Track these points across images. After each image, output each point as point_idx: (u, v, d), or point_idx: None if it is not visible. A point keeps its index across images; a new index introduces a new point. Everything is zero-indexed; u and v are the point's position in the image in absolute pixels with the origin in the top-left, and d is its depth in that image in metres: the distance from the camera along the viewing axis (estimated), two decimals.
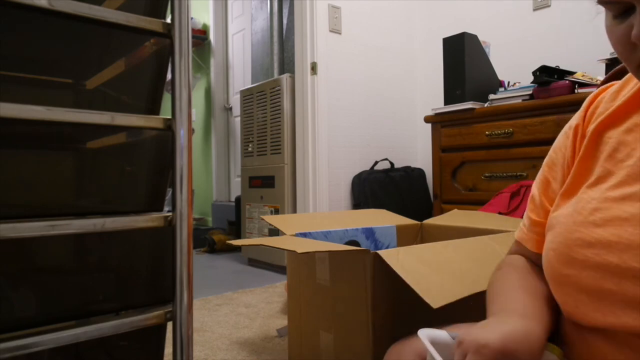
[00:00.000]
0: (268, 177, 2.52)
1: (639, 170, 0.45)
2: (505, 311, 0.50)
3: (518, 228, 0.64)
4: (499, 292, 0.56)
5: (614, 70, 0.67)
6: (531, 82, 1.76)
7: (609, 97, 0.53)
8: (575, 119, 0.56)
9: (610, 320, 0.43)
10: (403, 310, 0.91)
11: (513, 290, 0.55)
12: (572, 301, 0.48)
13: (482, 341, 0.42)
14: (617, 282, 0.42)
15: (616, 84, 0.54)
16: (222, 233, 3.27)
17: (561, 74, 1.71)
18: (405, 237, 1.44)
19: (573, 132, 0.55)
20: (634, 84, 0.50)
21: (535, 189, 0.61)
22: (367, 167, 2.44)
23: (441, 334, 0.47)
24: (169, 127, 0.59)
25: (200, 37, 4.08)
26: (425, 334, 0.45)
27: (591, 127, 0.52)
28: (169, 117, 0.59)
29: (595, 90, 0.57)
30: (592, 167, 0.51)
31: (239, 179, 3.12)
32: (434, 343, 0.44)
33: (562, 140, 0.58)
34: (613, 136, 0.50)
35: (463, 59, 1.92)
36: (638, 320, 0.41)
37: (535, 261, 0.59)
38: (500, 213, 1.51)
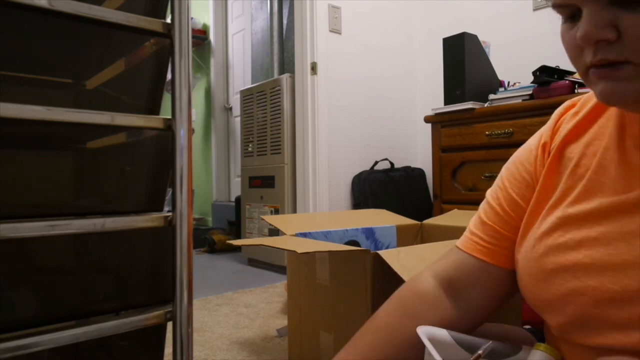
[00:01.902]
0: (268, 177, 2.52)
1: (598, 182, 0.45)
2: None
3: (461, 239, 0.59)
4: (351, 342, 0.55)
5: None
6: (531, 82, 1.76)
7: (570, 117, 0.53)
8: (544, 136, 0.55)
9: (599, 341, 0.43)
10: None
11: (360, 344, 0.54)
12: (555, 324, 0.48)
13: None
14: (597, 306, 0.42)
15: (576, 104, 0.54)
16: (222, 233, 3.27)
17: (561, 74, 1.71)
18: (405, 237, 1.44)
19: (542, 149, 0.54)
20: (592, 103, 0.51)
21: (491, 198, 0.58)
22: (367, 167, 2.44)
23: (441, 332, 0.47)
24: (169, 127, 0.59)
25: (200, 37, 4.08)
26: (424, 332, 0.45)
27: (554, 143, 0.52)
28: (169, 117, 0.59)
29: (558, 111, 0.56)
30: (555, 184, 0.50)
31: (239, 179, 3.12)
32: (433, 341, 0.44)
33: (525, 156, 0.56)
34: (574, 151, 0.50)
35: (463, 59, 1.92)
36: (625, 340, 0.40)
37: (487, 274, 0.55)
38: None
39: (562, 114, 0.55)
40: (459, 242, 0.59)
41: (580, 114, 0.51)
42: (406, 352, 0.52)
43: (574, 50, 0.42)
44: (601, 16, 0.38)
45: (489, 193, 0.60)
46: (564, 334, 0.47)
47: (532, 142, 0.56)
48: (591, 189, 0.45)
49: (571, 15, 0.42)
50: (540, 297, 0.47)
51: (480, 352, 0.46)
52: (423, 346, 0.47)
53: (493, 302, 0.56)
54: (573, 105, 0.54)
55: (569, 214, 0.46)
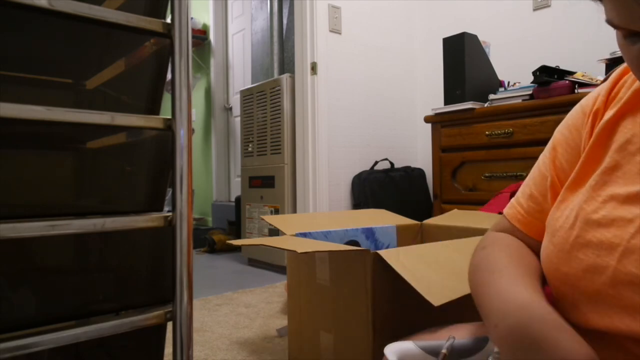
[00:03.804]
0: (268, 177, 2.52)
1: None
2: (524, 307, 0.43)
3: (509, 204, 0.59)
4: (490, 280, 0.49)
5: None
6: (531, 82, 1.76)
7: (632, 80, 0.49)
8: (598, 101, 0.51)
9: (606, 323, 0.42)
10: (403, 310, 0.91)
11: (511, 275, 0.48)
12: (569, 299, 0.47)
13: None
14: (614, 287, 0.41)
15: None
16: (222, 233, 3.27)
17: (561, 74, 1.71)
18: (405, 237, 1.44)
19: (592, 117, 0.50)
20: None
21: (540, 167, 0.56)
22: (367, 167, 2.44)
23: (408, 345, 0.47)
24: (169, 127, 0.59)
25: (200, 37, 4.08)
26: (393, 351, 0.45)
27: (609, 113, 0.49)
28: (169, 117, 0.59)
29: (618, 70, 0.52)
30: (601, 156, 0.48)
31: (239, 179, 3.12)
32: (404, 358, 0.44)
33: (580, 119, 0.53)
34: (628, 126, 0.46)
35: (463, 59, 1.92)
36: (633, 325, 0.40)
37: (527, 244, 0.55)
38: (500, 213, 1.51)
39: (620, 76, 0.51)
40: (506, 210, 0.59)
41: None
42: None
43: (638, 68, 0.40)
44: None
45: (540, 159, 0.57)
46: (572, 313, 0.46)
47: (586, 105, 0.53)
48: (635, 170, 0.43)
49: (631, 34, 0.39)
50: (559, 269, 0.46)
51: (443, 351, 0.46)
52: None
53: None
54: None
55: (610, 193, 0.44)
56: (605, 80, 0.56)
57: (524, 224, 0.56)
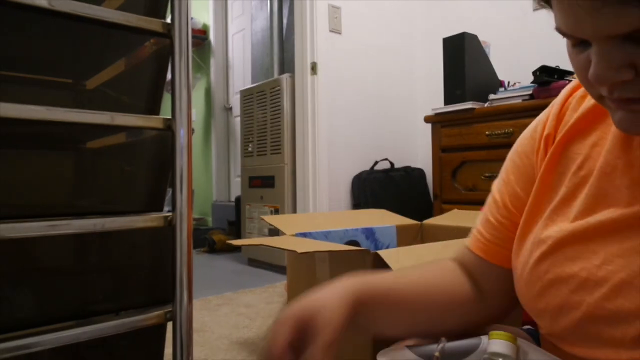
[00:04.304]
0: (268, 177, 2.52)
1: (601, 191, 0.42)
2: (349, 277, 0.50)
3: (470, 235, 0.58)
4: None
5: None
6: (531, 82, 1.76)
7: (576, 102, 0.48)
8: (548, 126, 0.50)
9: (590, 354, 0.42)
10: None
11: (397, 274, 0.53)
12: (548, 332, 0.47)
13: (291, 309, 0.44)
14: (593, 323, 0.40)
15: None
16: (222, 233, 3.27)
17: (561, 73, 1.71)
18: (405, 237, 1.44)
19: (544, 143, 0.49)
20: None
21: (495, 195, 0.55)
22: (367, 167, 2.44)
23: (403, 353, 0.46)
24: (169, 127, 0.59)
25: (200, 37, 4.08)
26: (386, 357, 0.45)
27: (559, 135, 0.48)
28: (169, 117, 0.59)
29: (564, 92, 0.51)
30: (556, 184, 0.47)
31: (239, 179, 3.12)
32: None
33: (530, 146, 0.52)
34: (578, 151, 0.46)
35: (463, 59, 1.92)
36: (615, 356, 0.39)
37: (491, 273, 0.53)
38: None
39: (568, 95, 0.50)
40: (467, 240, 0.58)
41: (589, 99, 0.46)
42: (433, 301, 0.51)
43: (585, 77, 0.37)
44: (615, 55, 0.33)
45: (494, 187, 0.56)
46: (556, 341, 0.46)
47: (536, 130, 0.52)
48: (594, 198, 0.42)
49: (578, 42, 0.37)
50: (535, 306, 0.46)
51: (436, 354, 0.46)
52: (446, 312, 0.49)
53: (504, 301, 0.54)
54: (580, 86, 0.48)
55: (572, 226, 0.43)
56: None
57: (487, 252, 0.54)
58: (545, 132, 0.49)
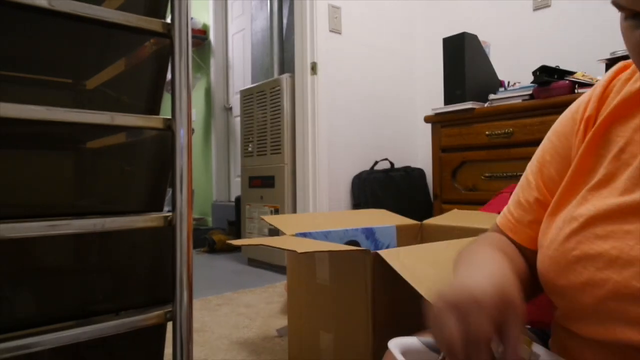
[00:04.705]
0: (268, 177, 2.52)
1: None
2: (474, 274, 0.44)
3: (501, 213, 0.58)
4: (467, 260, 0.50)
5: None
6: (531, 82, 1.76)
7: (620, 85, 0.47)
8: (590, 107, 0.49)
9: (608, 334, 0.42)
10: (403, 310, 0.91)
11: (484, 260, 0.48)
12: (570, 311, 0.46)
13: (479, 296, 0.37)
14: (616, 300, 0.40)
15: (631, 65, 0.47)
16: (222, 233, 3.27)
17: (561, 74, 1.71)
18: (405, 237, 1.44)
19: (584, 124, 0.49)
20: None
21: (527, 176, 0.55)
22: (367, 167, 2.44)
23: (413, 342, 0.46)
24: (169, 127, 0.59)
25: (200, 37, 4.08)
26: (396, 345, 0.45)
27: (600, 116, 0.47)
28: (169, 117, 0.59)
29: (609, 73, 0.50)
30: (593, 166, 0.46)
31: (239, 179, 3.12)
32: (407, 353, 0.44)
33: (569, 127, 0.51)
34: (621, 134, 0.45)
35: (463, 59, 1.92)
36: (635, 337, 0.39)
37: (520, 251, 0.54)
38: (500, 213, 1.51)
39: (612, 78, 0.49)
40: (498, 219, 0.58)
41: (634, 82, 0.45)
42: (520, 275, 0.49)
43: (638, 53, 0.38)
44: None
45: (528, 167, 0.56)
46: (572, 323, 0.46)
47: (576, 111, 0.51)
48: (635, 180, 0.42)
49: (633, 14, 0.37)
50: (557, 282, 0.45)
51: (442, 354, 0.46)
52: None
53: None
54: (626, 67, 0.48)
55: (608, 204, 0.42)
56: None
57: (514, 232, 0.55)
58: (587, 114, 0.49)
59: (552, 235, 0.47)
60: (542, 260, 0.48)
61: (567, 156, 0.50)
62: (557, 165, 0.51)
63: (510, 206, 0.57)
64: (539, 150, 0.55)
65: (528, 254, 0.54)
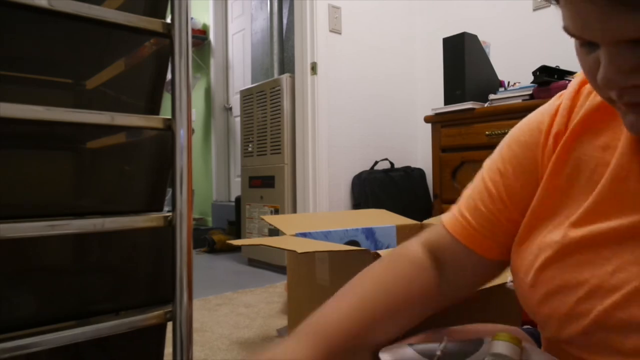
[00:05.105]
0: (268, 177, 2.52)
1: (615, 196, 0.40)
2: (306, 326, 0.48)
3: (449, 213, 0.54)
4: (340, 293, 0.52)
5: None
6: (531, 82, 1.76)
7: (583, 99, 0.46)
8: (558, 122, 0.46)
9: (594, 359, 0.41)
10: None
11: (349, 295, 0.50)
12: (555, 336, 0.45)
13: None
14: (603, 331, 0.39)
15: None
16: (222, 233, 3.27)
17: (561, 74, 1.71)
18: (405, 237, 1.43)
19: (554, 140, 0.46)
20: None
21: (490, 181, 0.51)
22: (367, 167, 2.44)
23: (404, 350, 0.46)
24: (169, 127, 0.59)
25: (200, 37, 4.08)
26: (388, 354, 0.45)
27: (568, 131, 0.45)
28: (169, 117, 0.59)
29: (572, 86, 0.47)
30: (566, 189, 0.45)
31: (239, 179, 3.12)
32: None
33: (535, 137, 0.48)
34: (589, 153, 0.43)
35: (463, 59, 1.92)
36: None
37: (464, 255, 0.52)
38: None
39: (577, 90, 0.46)
40: (446, 220, 0.54)
41: (595, 95, 0.44)
42: (392, 310, 0.50)
43: (593, 79, 0.36)
44: (625, 59, 0.32)
45: (486, 172, 0.52)
46: (561, 346, 0.45)
47: (543, 122, 0.48)
48: (606, 203, 0.41)
49: (586, 43, 0.36)
50: (540, 310, 0.45)
51: (437, 353, 0.46)
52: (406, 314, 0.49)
53: (472, 286, 0.55)
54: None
55: (584, 231, 0.41)
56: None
57: (470, 239, 0.51)
58: (555, 129, 0.46)
59: (527, 262, 0.46)
60: (522, 287, 0.47)
61: (531, 169, 0.48)
62: (521, 179, 0.49)
63: (465, 211, 0.52)
64: (498, 158, 0.52)
65: (482, 263, 0.52)
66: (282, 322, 1.52)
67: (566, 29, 0.36)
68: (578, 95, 0.47)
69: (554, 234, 0.44)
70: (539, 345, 0.55)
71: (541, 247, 0.44)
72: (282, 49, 3.09)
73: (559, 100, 0.48)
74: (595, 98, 0.44)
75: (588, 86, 0.46)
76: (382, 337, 0.50)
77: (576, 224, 0.42)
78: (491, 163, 0.53)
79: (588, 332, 0.40)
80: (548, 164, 0.46)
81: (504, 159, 0.51)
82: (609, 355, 0.40)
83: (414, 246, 0.56)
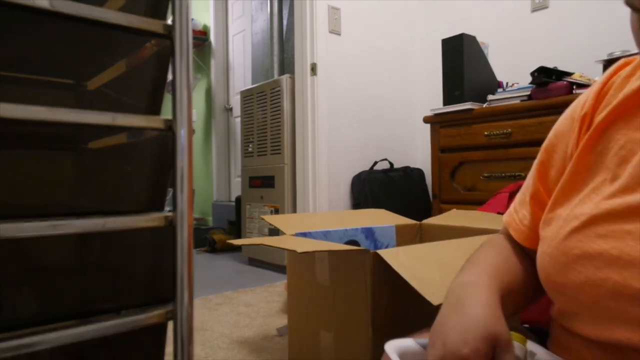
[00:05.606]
0: (268, 177, 2.53)
1: None
2: (462, 299, 0.47)
3: (508, 210, 0.59)
4: (465, 268, 0.53)
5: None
6: (529, 83, 1.77)
7: (621, 82, 0.47)
8: (587, 104, 0.49)
9: (607, 334, 0.41)
10: (403, 309, 0.91)
11: (480, 268, 0.52)
12: (569, 309, 0.46)
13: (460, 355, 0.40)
14: (615, 300, 0.40)
15: (631, 63, 0.47)
16: (223, 233, 3.27)
17: (559, 74, 1.71)
18: (405, 237, 1.44)
19: (580, 122, 0.49)
20: None
21: (530, 175, 0.56)
22: (367, 167, 2.44)
23: (410, 344, 0.47)
24: (170, 128, 0.59)
25: (201, 38, 4.09)
26: (393, 347, 0.45)
27: (598, 117, 0.47)
28: (170, 117, 0.60)
29: (607, 72, 0.49)
30: (594, 164, 0.46)
31: (239, 179, 3.12)
32: (404, 355, 0.44)
33: (567, 125, 0.52)
34: (622, 132, 0.44)
35: (462, 59, 1.92)
36: (634, 338, 0.39)
37: (520, 248, 0.56)
38: (499, 213, 1.52)
39: (611, 75, 0.48)
40: (505, 215, 0.59)
41: (636, 79, 0.45)
42: (514, 289, 0.52)
43: None
44: None
45: (534, 164, 0.56)
46: (571, 322, 0.46)
47: (574, 109, 0.51)
48: (636, 179, 0.41)
49: None
50: (556, 280, 0.45)
51: None
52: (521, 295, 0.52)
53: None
54: (627, 64, 0.47)
55: (609, 204, 0.42)
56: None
57: (518, 232, 0.56)
58: (583, 111, 0.49)
59: (552, 233, 0.47)
60: (542, 257, 0.48)
61: (564, 153, 0.51)
62: (556, 165, 0.52)
63: (517, 204, 0.58)
64: (541, 149, 0.56)
65: (531, 254, 0.54)
66: (282, 321, 1.52)
67: (630, 4, 0.37)
68: (610, 80, 0.48)
69: (580, 206, 0.45)
70: (540, 343, 0.55)
71: (567, 218, 0.46)
72: (282, 49, 3.09)
73: (592, 87, 0.51)
74: (634, 83, 0.45)
75: (625, 71, 0.47)
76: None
77: (601, 197, 0.44)
78: (536, 160, 0.57)
79: (601, 301, 0.41)
80: (577, 145, 0.48)
81: (543, 149, 0.55)
82: (618, 326, 0.40)
83: (499, 237, 0.59)
